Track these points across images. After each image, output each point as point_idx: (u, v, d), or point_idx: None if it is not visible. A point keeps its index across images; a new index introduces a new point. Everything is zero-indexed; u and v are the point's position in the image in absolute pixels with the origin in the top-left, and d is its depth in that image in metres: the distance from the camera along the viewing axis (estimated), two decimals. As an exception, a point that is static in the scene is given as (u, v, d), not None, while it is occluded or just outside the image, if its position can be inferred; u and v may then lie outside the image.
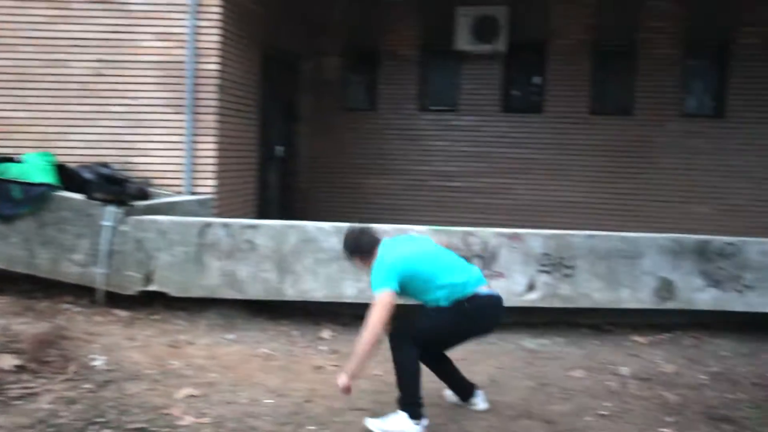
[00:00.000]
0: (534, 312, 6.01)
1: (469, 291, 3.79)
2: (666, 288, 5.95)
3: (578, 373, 4.95)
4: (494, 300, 3.89)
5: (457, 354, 5.26)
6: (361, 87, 10.67)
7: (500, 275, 5.84)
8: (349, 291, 5.77)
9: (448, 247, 4.29)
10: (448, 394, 4.28)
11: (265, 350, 5.25)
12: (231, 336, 5.56)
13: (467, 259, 5.70)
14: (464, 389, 4.19)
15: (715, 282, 5.99)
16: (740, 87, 9.46)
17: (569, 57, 9.78)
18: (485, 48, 9.59)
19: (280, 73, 9.36)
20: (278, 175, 9.55)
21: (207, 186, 7.25)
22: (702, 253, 5.96)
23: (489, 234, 5.92)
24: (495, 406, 4.23)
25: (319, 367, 4.90)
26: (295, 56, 9.93)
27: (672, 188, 9.61)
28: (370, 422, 3.84)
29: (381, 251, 3.86)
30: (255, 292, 5.84)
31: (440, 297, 3.79)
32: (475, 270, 3.95)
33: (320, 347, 5.41)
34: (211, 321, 5.83)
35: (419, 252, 3.89)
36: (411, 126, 10.22)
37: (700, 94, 9.91)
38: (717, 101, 9.72)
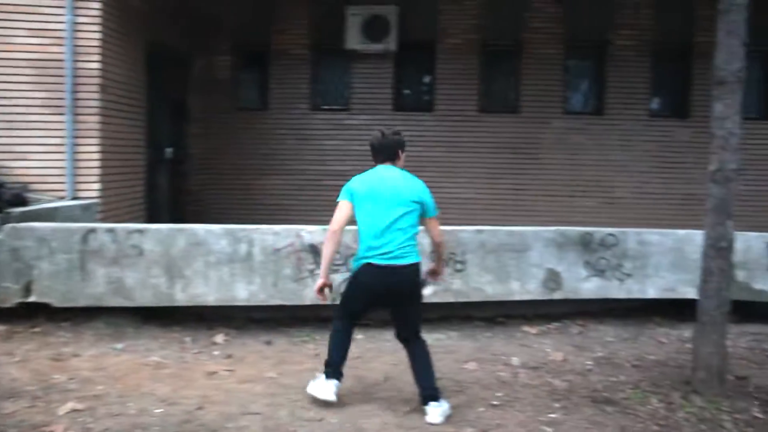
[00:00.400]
0: (428, 307, 6.06)
1: (364, 261, 4.06)
2: (553, 279, 6.17)
3: (471, 366, 5.06)
4: (385, 271, 4.01)
5: (352, 352, 5.29)
6: (252, 86, 10.51)
7: (394, 272, 5.89)
8: (241, 294, 5.67)
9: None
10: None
11: (156, 358, 5.07)
12: (119, 345, 5.35)
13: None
14: (420, 390, 4.12)
15: (599, 271, 6.27)
16: (617, 86, 9.95)
17: (458, 56, 9.98)
18: (376, 47, 9.66)
19: (168, 72, 9.09)
20: (168, 177, 9.28)
21: (91, 190, 6.95)
22: (586, 244, 6.22)
23: (382, 232, 5.96)
24: (389, 403, 4.26)
25: (212, 373, 4.77)
26: (183, 55, 9.67)
27: (558, 183, 9.99)
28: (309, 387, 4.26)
29: (368, 171, 4.23)
30: (144, 298, 5.64)
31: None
32: (392, 242, 4.01)
33: (213, 352, 5.28)
34: (99, 331, 5.59)
35: (370, 197, 4.08)
36: (303, 125, 10.16)
37: (582, 92, 10.35)
38: (597, 99, 10.18)
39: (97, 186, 6.95)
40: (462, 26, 9.97)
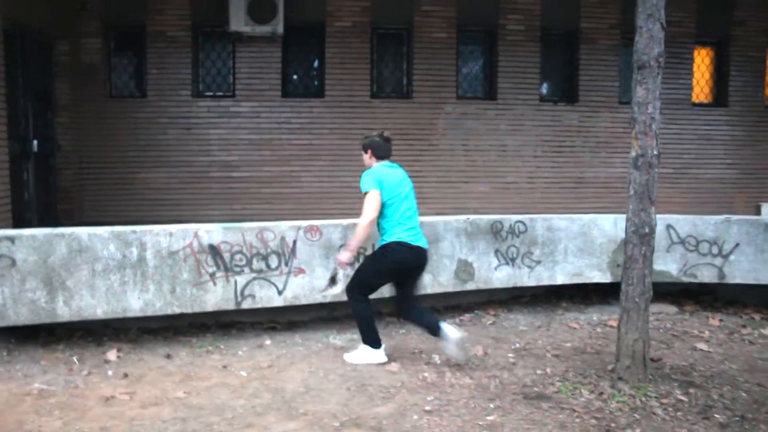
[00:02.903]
0: (337, 306, 5.79)
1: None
2: (465, 270, 6.00)
3: (393, 368, 4.77)
4: None
5: (262, 361, 4.91)
6: (127, 72, 9.70)
7: (301, 271, 5.51)
8: (135, 304, 5.08)
9: None
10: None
11: (39, 385, 4.41)
12: (-8, 372, 4.66)
13: (265, 257, 5.35)
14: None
15: (509, 260, 6.16)
16: (507, 70, 9.91)
17: (348, 39, 9.62)
18: (263, 29, 9.11)
19: (30, 57, 8.17)
20: (36, 173, 8.37)
21: (-57, 191, 6.08)
22: (496, 233, 6.09)
23: (285, 228, 5.54)
24: (316, 417, 3.90)
25: (109, 398, 4.17)
26: (48, 37, 8.74)
27: (453, 169, 9.86)
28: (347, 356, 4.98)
29: None
30: (20, 316, 4.92)
31: None
32: None
33: (107, 372, 4.68)
34: (-36, 358, 4.87)
35: None
36: (186, 114, 9.47)
37: (474, 77, 10.27)
38: (489, 84, 10.13)
39: (-50, 188, 6.09)
40: (351, 8, 9.60)
